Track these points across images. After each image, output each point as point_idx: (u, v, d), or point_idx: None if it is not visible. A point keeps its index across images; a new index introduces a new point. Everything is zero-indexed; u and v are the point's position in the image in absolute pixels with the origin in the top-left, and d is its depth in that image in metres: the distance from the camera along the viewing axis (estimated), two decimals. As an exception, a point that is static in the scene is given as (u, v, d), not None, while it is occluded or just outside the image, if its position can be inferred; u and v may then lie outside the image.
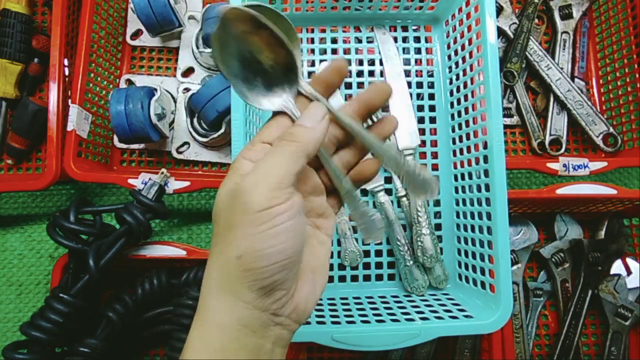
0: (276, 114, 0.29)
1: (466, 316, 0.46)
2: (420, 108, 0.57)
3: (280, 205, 0.25)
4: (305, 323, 0.44)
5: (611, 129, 0.63)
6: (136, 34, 0.66)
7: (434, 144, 0.57)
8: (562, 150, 0.64)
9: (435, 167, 0.57)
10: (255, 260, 0.25)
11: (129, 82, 0.65)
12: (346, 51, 0.58)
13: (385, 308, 0.49)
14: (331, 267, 0.54)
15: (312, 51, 0.58)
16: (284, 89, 0.29)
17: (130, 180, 0.55)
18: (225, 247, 0.26)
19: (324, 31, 0.58)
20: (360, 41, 0.58)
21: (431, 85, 0.58)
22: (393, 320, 0.45)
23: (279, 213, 0.25)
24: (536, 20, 0.66)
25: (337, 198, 0.33)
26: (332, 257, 0.55)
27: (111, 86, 0.63)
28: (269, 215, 0.25)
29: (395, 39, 0.58)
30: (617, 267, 0.62)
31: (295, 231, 0.26)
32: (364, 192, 0.56)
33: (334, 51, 0.58)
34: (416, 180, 0.31)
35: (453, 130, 0.56)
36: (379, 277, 0.55)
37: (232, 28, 0.27)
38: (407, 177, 0.31)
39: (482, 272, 0.48)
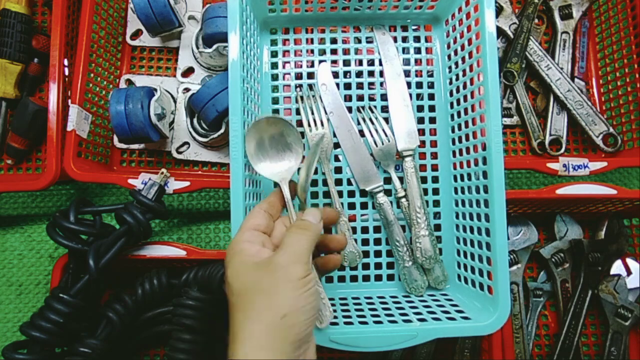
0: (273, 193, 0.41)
1: (464, 317, 0.46)
2: (420, 108, 0.57)
3: (310, 275, 0.34)
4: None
5: (611, 129, 0.63)
6: (136, 34, 0.66)
7: (434, 144, 0.57)
8: (562, 150, 0.64)
9: (434, 168, 0.57)
10: (298, 316, 0.32)
11: (129, 82, 0.65)
12: (346, 51, 0.58)
13: (384, 309, 0.49)
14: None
15: (312, 51, 0.58)
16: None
17: (130, 180, 0.55)
18: (266, 311, 0.32)
19: (323, 31, 0.58)
20: (359, 41, 0.58)
21: (431, 86, 0.58)
22: (391, 322, 0.45)
23: (311, 280, 0.34)
24: (536, 20, 0.66)
25: None
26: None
27: (111, 86, 0.63)
28: (306, 281, 0.34)
29: (395, 39, 0.58)
30: (617, 267, 0.62)
31: (316, 294, 0.35)
32: (364, 193, 0.55)
33: (334, 51, 0.58)
34: None
35: (453, 131, 0.55)
36: (378, 278, 0.55)
37: (259, 123, 0.42)
38: None
39: (481, 274, 0.48)
